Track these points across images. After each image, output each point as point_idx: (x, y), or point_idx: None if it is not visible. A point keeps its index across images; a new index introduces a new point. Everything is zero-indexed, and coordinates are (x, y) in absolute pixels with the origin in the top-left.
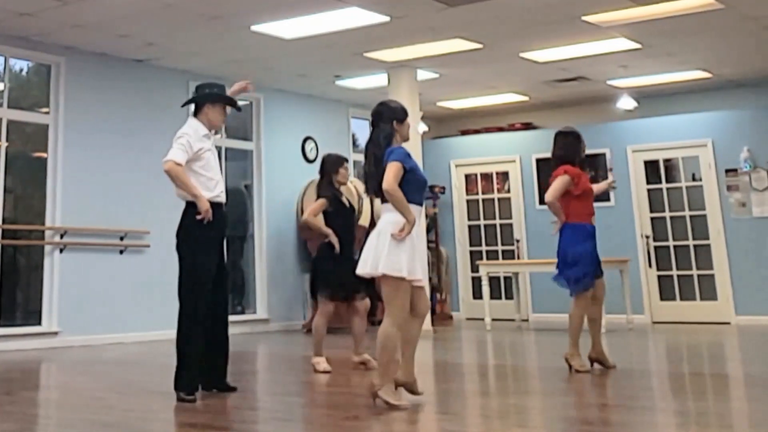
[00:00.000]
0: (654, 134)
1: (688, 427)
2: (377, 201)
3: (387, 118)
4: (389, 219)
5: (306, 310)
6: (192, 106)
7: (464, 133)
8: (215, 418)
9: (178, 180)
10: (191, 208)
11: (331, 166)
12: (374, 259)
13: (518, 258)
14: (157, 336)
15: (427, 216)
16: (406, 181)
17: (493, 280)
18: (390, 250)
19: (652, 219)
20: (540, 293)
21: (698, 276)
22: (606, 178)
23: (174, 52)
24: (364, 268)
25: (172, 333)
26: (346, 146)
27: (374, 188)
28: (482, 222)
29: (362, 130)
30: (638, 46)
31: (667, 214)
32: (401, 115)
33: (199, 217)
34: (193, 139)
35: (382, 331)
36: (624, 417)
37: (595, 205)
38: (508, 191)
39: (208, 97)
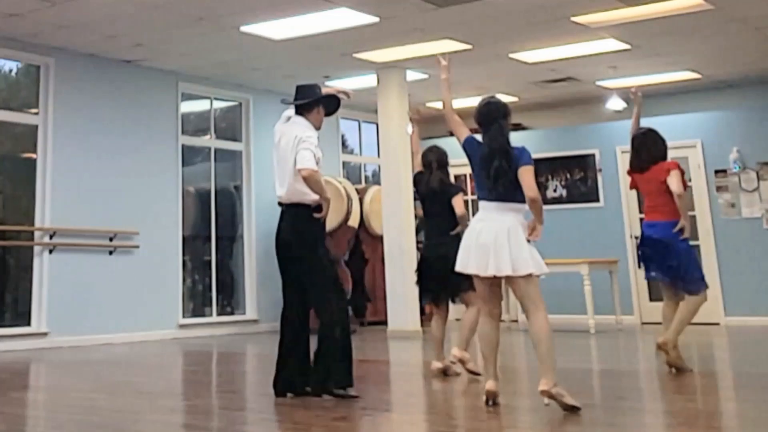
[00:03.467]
0: None
1: (677, 427)
2: (368, 204)
3: (505, 114)
4: (514, 220)
5: None
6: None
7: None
8: (204, 419)
9: (317, 186)
10: (306, 209)
11: None
12: (514, 259)
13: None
14: (145, 336)
15: (416, 217)
16: None
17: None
18: (531, 250)
19: (641, 220)
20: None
21: None
22: (595, 178)
23: (163, 52)
24: (515, 269)
25: (161, 333)
26: (335, 147)
27: (505, 186)
28: None
29: (351, 131)
30: (627, 46)
31: None
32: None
33: (318, 215)
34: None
35: (546, 327)
36: (613, 417)
37: (583, 205)
38: None
39: (324, 99)
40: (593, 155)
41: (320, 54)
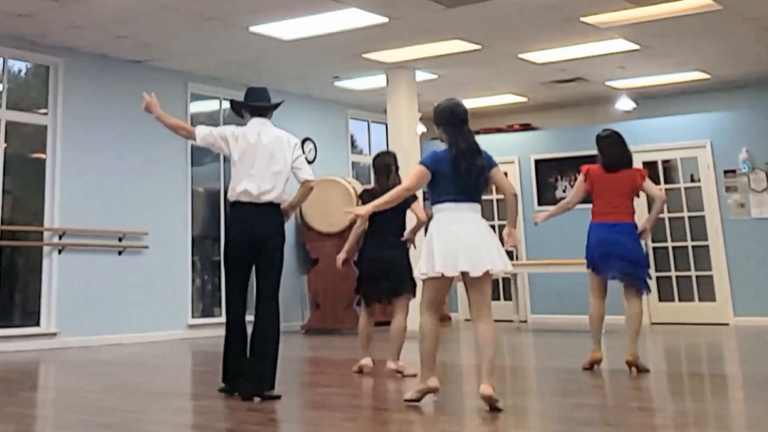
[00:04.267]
0: (652, 135)
1: (687, 428)
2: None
3: (468, 117)
4: (482, 219)
5: (305, 312)
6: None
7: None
8: (213, 420)
9: (307, 196)
10: (280, 211)
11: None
12: (501, 256)
13: (517, 259)
14: (155, 337)
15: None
16: None
17: (492, 282)
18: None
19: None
20: (538, 294)
21: (697, 277)
22: None
23: (172, 53)
24: (504, 264)
25: (170, 334)
26: (345, 147)
27: (478, 185)
28: None
29: (361, 131)
30: (637, 47)
31: (666, 215)
32: None
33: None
34: None
35: (493, 331)
36: (622, 418)
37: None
38: None
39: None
40: None
41: (329, 54)
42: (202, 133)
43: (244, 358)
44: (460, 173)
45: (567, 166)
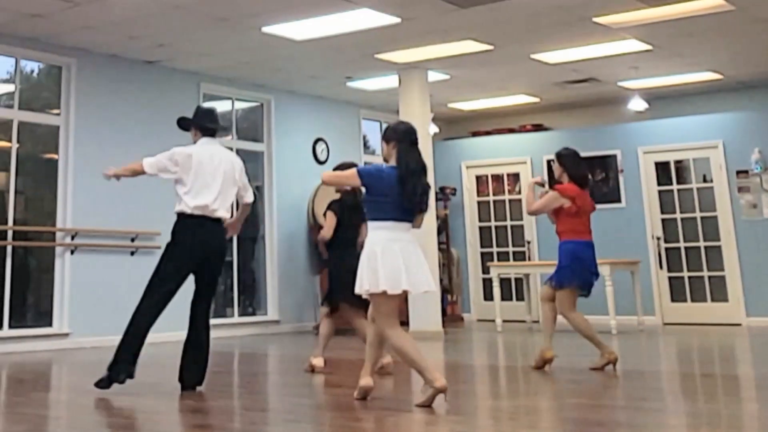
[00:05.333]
0: (665, 135)
1: (699, 428)
2: None
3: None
4: (410, 237)
5: (317, 312)
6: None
7: (475, 134)
8: (225, 420)
9: (245, 215)
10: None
11: None
12: (429, 277)
13: (529, 259)
14: (167, 337)
15: (438, 217)
16: None
17: (504, 282)
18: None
19: (663, 220)
20: None
21: (709, 277)
22: (616, 179)
23: (185, 53)
24: (430, 286)
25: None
26: (357, 148)
27: (422, 204)
28: (493, 223)
29: (373, 132)
30: (649, 47)
31: (678, 215)
32: None
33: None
34: None
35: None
36: (635, 418)
37: (605, 206)
38: (519, 192)
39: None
40: (615, 156)
41: (342, 55)
42: (148, 162)
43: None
44: (407, 192)
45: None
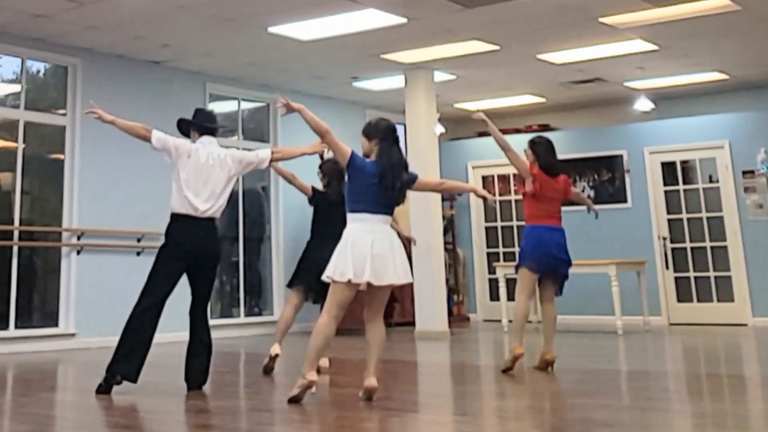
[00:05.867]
0: (671, 136)
1: (705, 428)
2: None
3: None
4: (391, 231)
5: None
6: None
7: (481, 134)
8: (231, 420)
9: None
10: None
11: None
12: (405, 269)
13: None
14: (173, 337)
15: (444, 218)
16: None
17: (510, 282)
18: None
19: (669, 220)
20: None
21: (715, 277)
22: (622, 179)
23: (190, 53)
24: (407, 278)
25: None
26: None
27: (398, 198)
28: (499, 224)
29: None
30: (655, 47)
31: (684, 215)
32: None
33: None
34: None
35: (384, 333)
36: (641, 418)
37: (611, 206)
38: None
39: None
40: (621, 156)
41: (348, 55)
42: (157, 134)
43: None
44: (384, 186)
45: (586, 167)
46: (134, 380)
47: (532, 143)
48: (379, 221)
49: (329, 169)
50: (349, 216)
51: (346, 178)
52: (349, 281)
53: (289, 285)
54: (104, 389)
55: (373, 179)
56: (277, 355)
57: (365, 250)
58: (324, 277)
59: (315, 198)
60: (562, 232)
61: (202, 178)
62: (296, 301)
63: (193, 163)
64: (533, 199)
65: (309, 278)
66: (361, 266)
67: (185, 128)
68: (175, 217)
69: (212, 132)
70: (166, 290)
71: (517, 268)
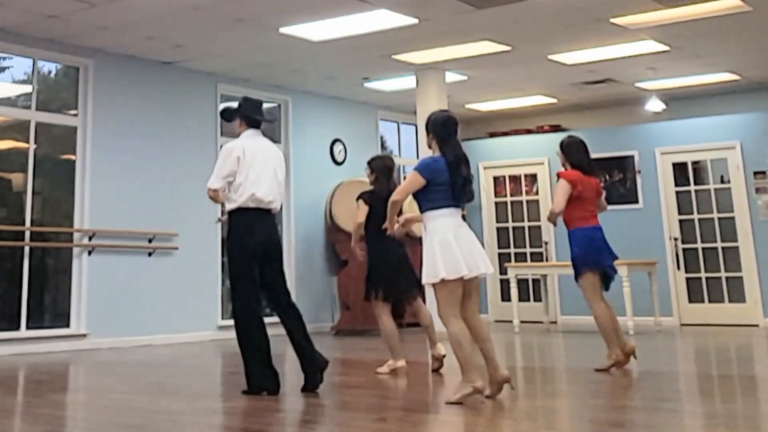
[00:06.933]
0: (682, 136)
1: (716, 428)
2: (407, 204)
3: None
4: (464, 223)
5: (335, 313)
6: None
7: (492, 135)
8: (244, 421)
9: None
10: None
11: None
12: (487, 260)
13: (546, 260)
14: (185, 338)
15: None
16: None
17: (522, 283)
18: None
19: (681, 221)
20: (568, 295)
21: (726, 278)
22: (634, 180)
23: (202, 54)
24: (488, 269)
25: (200, 335)
26: (374, 149)
27: (468, 192)
28: (510, 224)
29: (390, 133)
30: (666, 48)
31: (696, 216)
32: None
33: None
34: None
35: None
36: (652, 419)
37: (623, 207)
38: (537, 193)
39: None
40: (632, 157)
41: (359, 55)
42: (210, 183)
43: (269, 357)
44: (456, 180)
45: (597, 167)
46: (276, 392)
47: (560, 145)
48: (458, 215)
49: (378, 166)
50: (433, 213)
51: (422, 182)
52: (462, 277)
53: (374, 297)
54: (247, 391)
55: (444, 174)
56: (439, 356)
57: (465, 244)
58: (430, 280)
59: (364, 198)
60: (602, 231)
61: (260, 170)
62: (386, 308)
63: (248, 158)
64: (577, 200)
65: (388, 284)
66: (471, 260)
67: (229, 118)
68: (238, 213)
69: (258, 124)
70: (252, 282)
71: (577, 277)
